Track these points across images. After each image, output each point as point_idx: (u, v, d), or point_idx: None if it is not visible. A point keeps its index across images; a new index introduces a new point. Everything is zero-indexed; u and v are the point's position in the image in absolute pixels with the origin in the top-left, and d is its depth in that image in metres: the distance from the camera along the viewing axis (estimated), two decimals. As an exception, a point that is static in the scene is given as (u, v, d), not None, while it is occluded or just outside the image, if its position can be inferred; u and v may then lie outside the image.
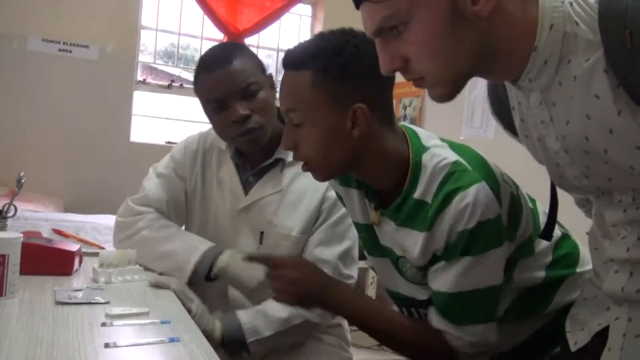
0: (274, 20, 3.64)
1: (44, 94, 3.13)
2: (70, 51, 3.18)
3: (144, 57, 3.57)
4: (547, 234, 1.07)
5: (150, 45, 3.59)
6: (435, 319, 1.06)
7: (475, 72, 0.84)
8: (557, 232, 1.14)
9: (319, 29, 3.84)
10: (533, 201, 1.17)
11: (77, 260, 1.36)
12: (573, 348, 0.96)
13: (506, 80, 0.88)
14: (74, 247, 1.37)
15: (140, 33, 3.48)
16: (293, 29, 3.90)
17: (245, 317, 1.31)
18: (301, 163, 1.07)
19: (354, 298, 1.12)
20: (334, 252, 1.38)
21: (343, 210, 1.37)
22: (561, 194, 1.03)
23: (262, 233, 1.42)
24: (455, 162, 1.02)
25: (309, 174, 1.39)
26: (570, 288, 1.13)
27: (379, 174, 1.07)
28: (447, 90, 0.83)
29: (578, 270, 1.14)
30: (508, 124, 1.01)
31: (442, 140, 1.10)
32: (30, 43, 3.09)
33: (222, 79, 1.34)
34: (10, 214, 1.27)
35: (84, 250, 1.46)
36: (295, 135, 1.05)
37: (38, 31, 3.09)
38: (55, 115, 3.17)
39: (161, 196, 1.49)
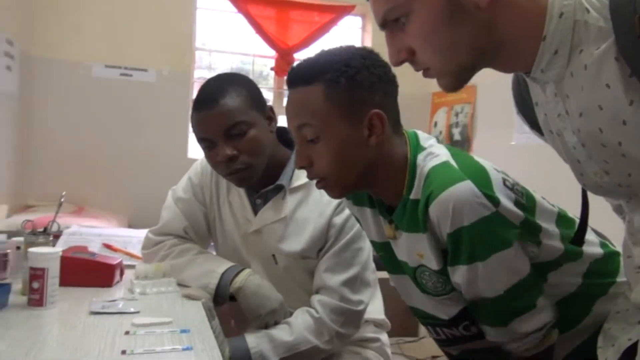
0: (323, 34, 3.69)
1: (108, 116, 3.33)
2: (131, 75, 3.37)
3: (202, 75, 3.72)
4: (578, 239, 1.04)
5: (206, 64, 3.73)
6: (488, 333, 1.05)
7: (481, 64, 0.82)
8: (595, 241, 1.10)
9: (368, 40, 3.85)
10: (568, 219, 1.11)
11: (117, 272, 1.45)
12: None
13: (516, 71, 0.86)
14: (114, 260, 1.46)
15: (195, 54, 3.64)
16: (343, 42, 3.92)
17: (253, 340, 1.33)
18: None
19: None
20: (340, 279, 1.37)
21: (350, 235, 1.37)
22: (601, 202, 0.98)
23: (273, 255, 1.43)
24: (445, 162, 1.00)
25: (312, 201, 1.40)
26: (611, 297, 1.07)
27: (389, 183, 1.06)
28: (452, 82, 0.83)
29: (618, 280, 1.09)
30: (533, 122, 0.97)
31: (442, 144, 1.09)
32: (94, 70, 3.31)
33: (208, 119, 1.33)
34: (54, 230, 1.37)
35: (128, 263, 1.55)
36: (309, 152, 1.04)
37: (101, 58, 3.31)
38: (119, 136, 3.35)
39: (179, 225, 1.51)
